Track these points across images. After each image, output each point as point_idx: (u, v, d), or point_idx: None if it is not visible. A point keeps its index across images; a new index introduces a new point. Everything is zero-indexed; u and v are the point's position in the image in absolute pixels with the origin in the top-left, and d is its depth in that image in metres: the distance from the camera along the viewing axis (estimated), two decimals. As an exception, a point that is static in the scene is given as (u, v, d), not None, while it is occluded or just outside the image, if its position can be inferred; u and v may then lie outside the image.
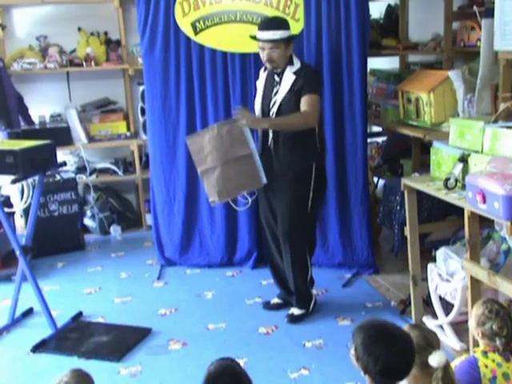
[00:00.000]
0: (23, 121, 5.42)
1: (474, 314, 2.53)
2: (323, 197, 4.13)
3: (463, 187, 3.03)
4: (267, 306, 4.06)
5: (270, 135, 3.75)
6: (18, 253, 3.73)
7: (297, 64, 3.71)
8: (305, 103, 3.62)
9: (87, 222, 5.67)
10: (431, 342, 2.27)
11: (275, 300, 4.08)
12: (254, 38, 3.73)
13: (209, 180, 3.73)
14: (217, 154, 3.66)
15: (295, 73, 3.68)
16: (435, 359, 2.17)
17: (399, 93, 4.63)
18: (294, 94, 3.65)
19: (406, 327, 2.38)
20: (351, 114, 4.42)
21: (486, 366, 2.40)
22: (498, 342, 2.44)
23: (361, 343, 2.03)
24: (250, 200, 3.95)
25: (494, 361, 2.42)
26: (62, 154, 5.41)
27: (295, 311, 3.91)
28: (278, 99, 3.70)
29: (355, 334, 2.07)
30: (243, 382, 2.12)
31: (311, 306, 3.94)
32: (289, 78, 3.68)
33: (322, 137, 3.95)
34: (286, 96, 3.67)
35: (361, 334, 2.05)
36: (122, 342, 3.66)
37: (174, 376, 3.31)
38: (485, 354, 2.45)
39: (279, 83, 3.71)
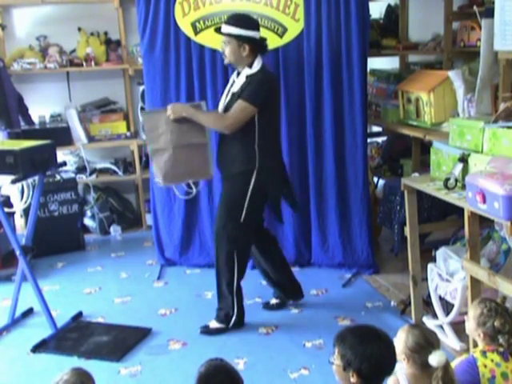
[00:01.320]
0: (23, 121, 5.42)
1: (472, 315, 2.53)
2: (267, 209, 3.94)
3: (463, 187, 3.03)
4: (267, 306, 4.06)
5: (220, 135, 3.70)
6: (18, 253, 3.73)
7: (254, 69, 3.54)
8: (233, 107, 3.52)
9: (87, 222, 5.67)
10: (431, 342, 2.28)
11: (274, 300, 4.07)
12: (217, 30, 3.63)
13: (158, 160, 3.68)
14: (171, 136, 3.62)
15: (248, 76, 3.55)
16: (435, 359, 2.19)
17: (399, 93, 4.63)
18: (236, 97, 3.54)
19: (405, 327, 2.39)
20: (351, 114, 4.42)
21: (485, 366, 2.40)
22: (501, 340, 2.44)
23: (349, 348, 2.05)
24: (194, 190, 3.93)
25: (492, 361, 2.42)
26: (61, 154, 5.42)
27: (211, 323, 3.75)
28: (227, 99, 3.65)
29: (338, 345, 2.10)
30: (236, 380, 2.13)
31: (231, 323, 3.72)
32: (241, 80, 3.58)
33: (273, 149, 3.66)
34: (231, 98, 3.60)
35: (345, 341, 2.09)
36: (121, 342, 3.66)
37: (174, 376, 3.30)
38: (484, 353, 2.45)
39: (234, 83, 3.66)
